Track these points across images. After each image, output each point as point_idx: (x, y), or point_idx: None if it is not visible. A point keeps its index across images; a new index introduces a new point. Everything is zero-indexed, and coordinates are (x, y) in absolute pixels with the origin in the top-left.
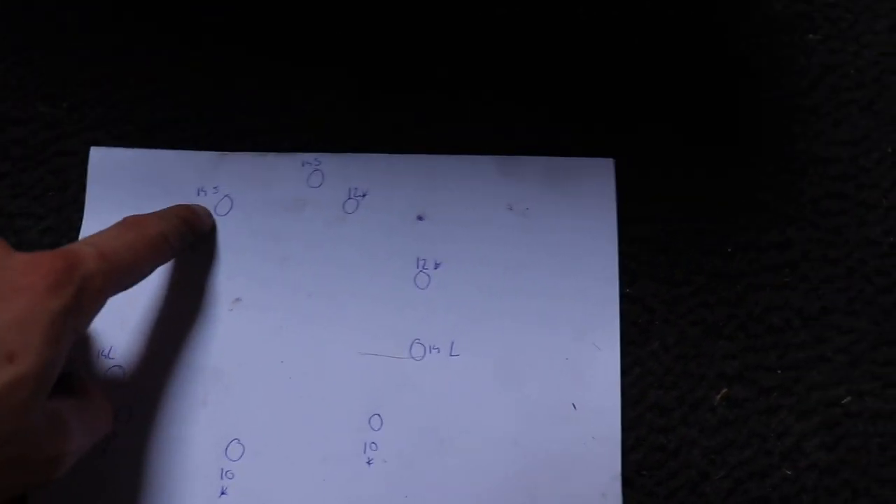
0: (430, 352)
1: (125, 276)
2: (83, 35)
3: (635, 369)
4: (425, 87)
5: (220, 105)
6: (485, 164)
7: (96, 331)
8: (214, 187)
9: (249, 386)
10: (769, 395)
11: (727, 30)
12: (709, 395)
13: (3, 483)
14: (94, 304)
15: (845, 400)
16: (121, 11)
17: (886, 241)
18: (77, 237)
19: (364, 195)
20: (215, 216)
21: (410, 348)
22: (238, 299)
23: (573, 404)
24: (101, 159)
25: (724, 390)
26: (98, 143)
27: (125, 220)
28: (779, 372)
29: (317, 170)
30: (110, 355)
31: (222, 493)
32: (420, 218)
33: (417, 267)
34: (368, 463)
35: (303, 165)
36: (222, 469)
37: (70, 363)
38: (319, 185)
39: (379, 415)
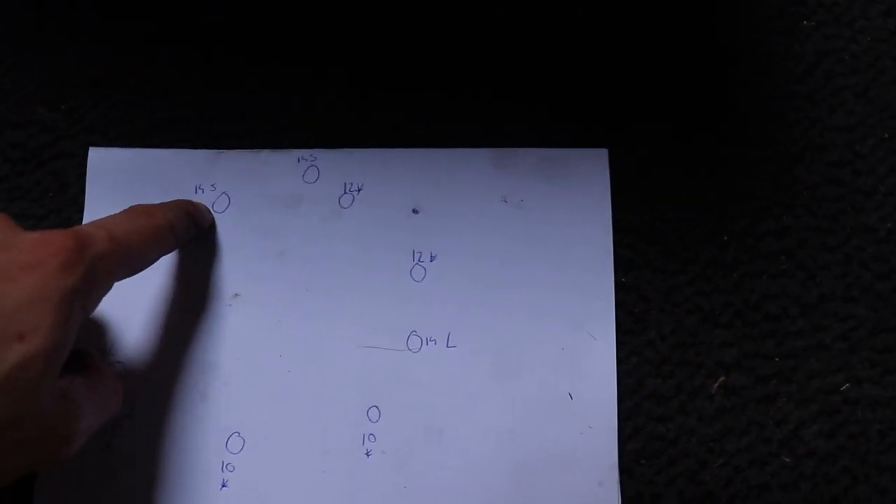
0: (427, 344)
1: (133, 260)
2: (80, 37)
3: (632, 359)
4: (421, 83)
5: (217, 104)
6: (479, 157)
7: (96, 327)
8: (212, 185)
9: (249, 380)
10: (767, 383)
11: (721, 17)
12: (706, 384)
13: (14, 462)
14: (103, 284)
15: (844, 387)
16: (118, 14)
17: (883, 228)
18: None
19: (359, 190)
20: (213, 213)
21: (407, 341)
22: (237, 294)
23: (569, 394)
24: (99, 160)
25: (722, 378)
26: (96, 145)
27: (133, 207)
28: (777, 360)
29: (312, 165)
30: (111, 351)
31: (223, 486)
32: (415, 211)
33: (413, 260)
34: (367, 454)
35: (298, 161)
36: (223, 462)
37: (80, 341)
38: (315, 181)
39: (377, 407)
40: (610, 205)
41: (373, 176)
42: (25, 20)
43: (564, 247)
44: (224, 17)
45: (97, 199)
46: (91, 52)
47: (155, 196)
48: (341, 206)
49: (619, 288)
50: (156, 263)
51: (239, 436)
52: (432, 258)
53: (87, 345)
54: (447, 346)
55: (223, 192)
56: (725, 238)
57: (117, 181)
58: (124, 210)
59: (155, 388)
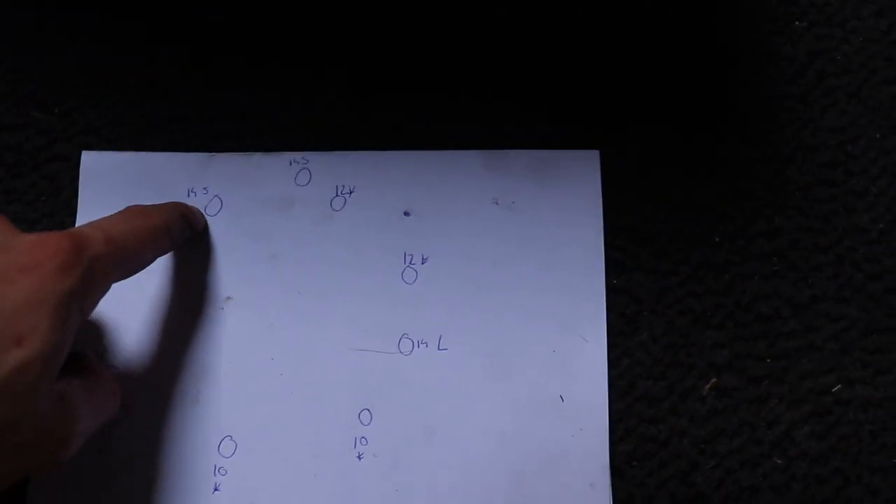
0: (419, 346)
1: (130, 261)
2: (74, 41)
3: (624, 360)
4: (413, 85)
5: (210, 107)
6: (470, 159)
7: (90, 330)
8: (204, 188)
9: (241, 383)
10: (759, 384)
11: (712, 18)
12: (698, 385)
13: (11, 466)
14: (100, 286)
15: (835, 388)
16: (112, 16)
17: (875, 228)
18: None
19: (351, 192)
20: (206, 216)
21: (399, 343)
22: (229, 298)
23: (561, 396)
24: (92, 163)
25: (714, 380)
26: (90, 148)
27: (129, 208)
28: (768, 361)
29: (304, 168)
30: (105, 355)
31: (216, 490)
32: (407, 213)
33: (405, 262)
34: (359, 458)
35: (290, 164)
36: (215, 465)
37: (77, 343)
38: (307, 184)
39: (368, 410)
40: (601, 206)
41: (364, 178)
42: (20, 23)
43: (555, 248)
44: (219, 19)
45: (90, 203)
46: (85, 55)
47: (147, 199)
48: (333, 209)
49: (611, 289)
50: (148, 267)
51: (231, 439)
52: (424, 260)
53: (84, 347)
54: (438, 349)
55: (215, 196)
56: (717, 239)
57: (110, 185)
58: (120, 211)
59: (148, 392)
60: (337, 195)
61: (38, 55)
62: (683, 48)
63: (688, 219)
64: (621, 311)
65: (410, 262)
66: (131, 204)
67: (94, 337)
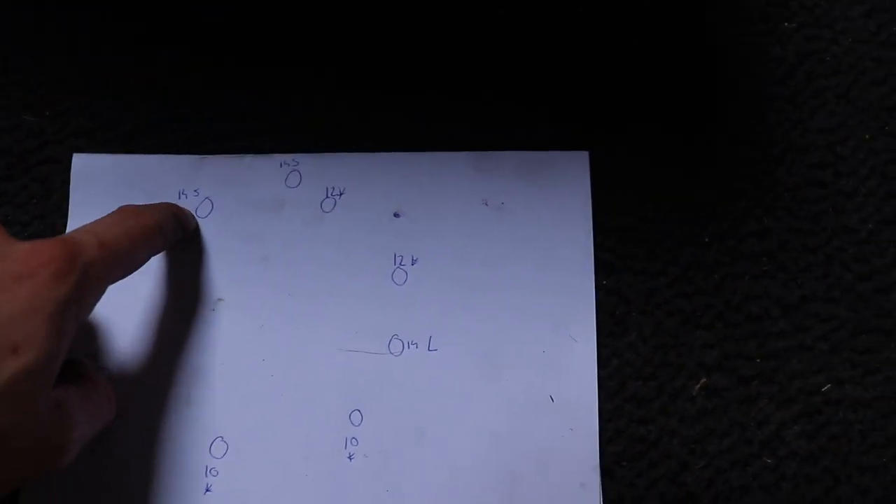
0: (409, 347)
1: (124, 264)
2: (65, 44)
3: (613, 361)
4: (403, 87)
5: (201, 110)
6: (460, 160)
7: (80, 333)
8: (195, 190)
9: (232, 384)
10: (748, 384)
11: (701, 19)
12: (688, 385)
13: (8, 474)
14: (95, 292)
15: (825, 388)
16: (102, 21)
17: (864, 229)
18: None
19: (341, 194)
20: (197, 218)
21: (389, 344)
22: (220, 299)
23: (551, 397)
24: (83, 166)
25: (704, 380)
26: (81, 150)
27: (122, 209)
28: (758, 361)
29: (294, 170)
30: (96, 357)
31: (207, 490)
32: (397, 215)
33: (395, 263)
34: (349, 458)
35: (281, 166)
36: (207, 466)
37: (73, 350)
38: (297, 185)
39: (359, 410)
40: (591, 207)
41: (354, 180)
42: (10, 26)
43: (545, 249)
44: (211, 22)
45: (80, 206)
46: (76, 58)
47: (138, 201)
48: (323, 211)
49: (600, 290)
50: (139, 269)
51: (222, 440)
52: (414, 261)
53: (78, 353)
54: (429, 350)
55: (206, 198)
56: (707, 240)
57: (101, 187)
58: (113, 212)
59: (139, 394)
60: (327, 197)
61: (29, 58)
62: (672, 49)
63: (677, 219)
64: (611, 311)
65: (401, 263)
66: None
67: (84, 339)
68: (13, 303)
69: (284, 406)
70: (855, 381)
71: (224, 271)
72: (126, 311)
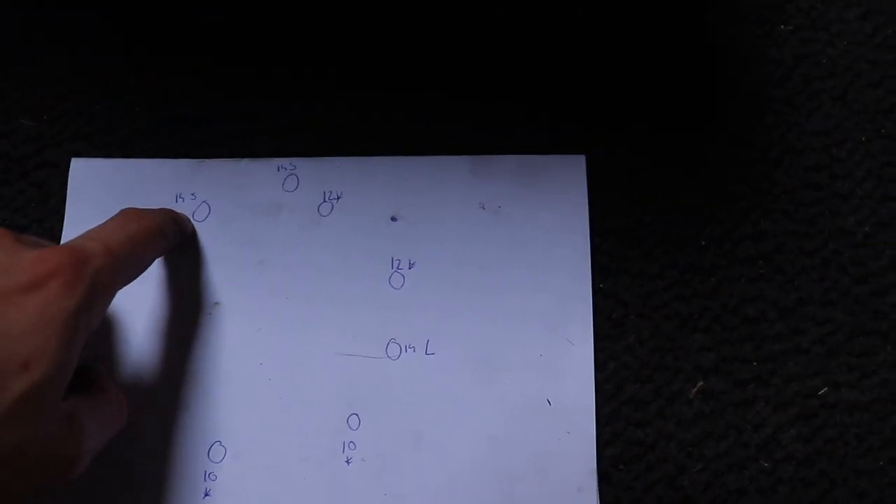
0: (406, 351)
1: (130, 269)
2: (62, 48)
3: (610, 364)
4: (400, 91)
5: (198, 114)
6: (457, 164)
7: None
8: (192, 194)
9: (230, 389)
10: (745, 387)
11: (698, 22)
12: (685, 389)
13: (20, 488)
14: (104, 299)
15: (822, 391)
16: (100, 26)
17: (861, 231)
18: None
19: (338, 198)
20: (194, 222)
21: (386, 348)
22: (217, 303)
23: (548, 400)
24: (81, 170)
25: (700, 383)
26: (79, 155)
27: (124, 212)
28: (755, 364)
29: (292, 174)
30: (95, 363)
31: (206, 495)
32: (394, 219)
33: (392, 267)
34: (347, 462)
35: (278, 170)
36: (205, 471)
37: (84, 358)
38: (295, 189)
39: (357, 414)
40: (587, 211)
41: (352, 184)
42: (8, 30)
43: (542, 253)
44: (209, 27)
45: (78, 210)
46: (74, 63)
47: (136, 206)
48: (320, 215)
49: (597, 293)
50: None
51: (221, 445)
52: (411, 265)
53: (90, 360)
54: (426, 354)
55: (203, 202)
56: (703, 243)
57: (98, 191)
58: (115, 217)
59: (137, 399)
60: (324, 201)
61: (27, 62)
62: (668, 52)
63: (674, 222)
64: (608, 314)
65: (398, 267)
66: (120, 209)
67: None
68: (22, 317)
69: (282, 410)
70: (851, 384)
71: (221, 275)
72: (122, 316)
